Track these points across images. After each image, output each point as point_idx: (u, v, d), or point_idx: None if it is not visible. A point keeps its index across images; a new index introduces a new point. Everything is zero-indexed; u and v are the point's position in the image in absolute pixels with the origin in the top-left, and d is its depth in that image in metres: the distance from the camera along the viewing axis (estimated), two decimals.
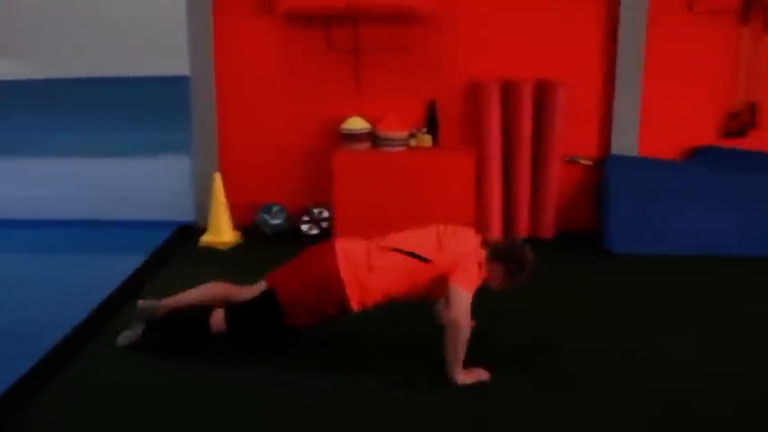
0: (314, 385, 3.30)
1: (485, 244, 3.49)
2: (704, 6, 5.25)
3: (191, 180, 5.73)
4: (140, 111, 7.22)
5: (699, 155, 5.48)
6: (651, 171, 5.34)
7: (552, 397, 3.23)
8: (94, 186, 6.30)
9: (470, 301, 3.30)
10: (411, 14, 5.25)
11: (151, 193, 6.15)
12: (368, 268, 3.37)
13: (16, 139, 7.01)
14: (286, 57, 5.51)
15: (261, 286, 3.53)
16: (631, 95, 5.41)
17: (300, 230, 5.50)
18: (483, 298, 3.41)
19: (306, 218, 5.53)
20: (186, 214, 5.71)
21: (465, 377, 3.28)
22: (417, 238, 3.48)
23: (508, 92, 5.38)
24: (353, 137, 5.35)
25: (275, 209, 5.56)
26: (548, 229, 5.57)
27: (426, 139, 5.44)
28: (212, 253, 5.23)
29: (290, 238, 5.39)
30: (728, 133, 5.44)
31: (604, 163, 5.46)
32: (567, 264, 4.93)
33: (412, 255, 3.40)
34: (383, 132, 5.36)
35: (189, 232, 5.55)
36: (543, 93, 5.37)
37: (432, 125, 5.48)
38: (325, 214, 5.50)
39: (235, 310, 3.49)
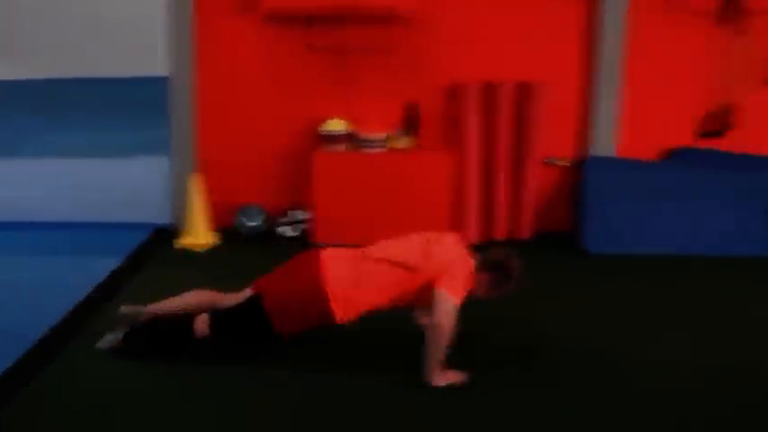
0: (301, 386, 3.28)
1: (472, 252, 3.49)
2: (683, 7, 5.29)
3: (168, 181, 5.68)
4: (117, 111, 7.16)
5: (676, 156, 5.53)
6: (629, 172, 5.37)
7: (549, 398, 3.24)
8: (75, 186, 6.23)
9: (457, 307, 3.28)
10: (393, 15, 5.23)
11: (130, 194, 6.08)
12: (355, 282, 3.35)
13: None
14: (268, 57, 5.47)
15: (246, 293, 3.49)
16: (610, 97, 5.44)
17: (276, 233, 5.48)
18: (467, 303, 3.39)
19: (283, 220, 5.51)
20: (163, 216, 5.65)
21: (440, 380, 3.28)
22: (403, 247, 3.46)
23: (488, 93, 5.39)
24: (333, 138, 5.33)
25: (253, 211, 5.53)
26: (525, 230, 5.58)
27: (404, 141, 5.43)
28: (189, 255, 5.19)
29: (266, 240, 5.39)
30: (705, 134, 5.48)
31: (583, 164, 5.48)
32: (545, 265, 4.93)
33: (399, 264, 3.37)
34: (363, 134, 5.35)
35: (165, 235, 5.49)
36: (523, 94, 5.38)
37: (411, 126, 5.47)
38: (301, 216, 5.48)
39: (219, 315, 3.46)
